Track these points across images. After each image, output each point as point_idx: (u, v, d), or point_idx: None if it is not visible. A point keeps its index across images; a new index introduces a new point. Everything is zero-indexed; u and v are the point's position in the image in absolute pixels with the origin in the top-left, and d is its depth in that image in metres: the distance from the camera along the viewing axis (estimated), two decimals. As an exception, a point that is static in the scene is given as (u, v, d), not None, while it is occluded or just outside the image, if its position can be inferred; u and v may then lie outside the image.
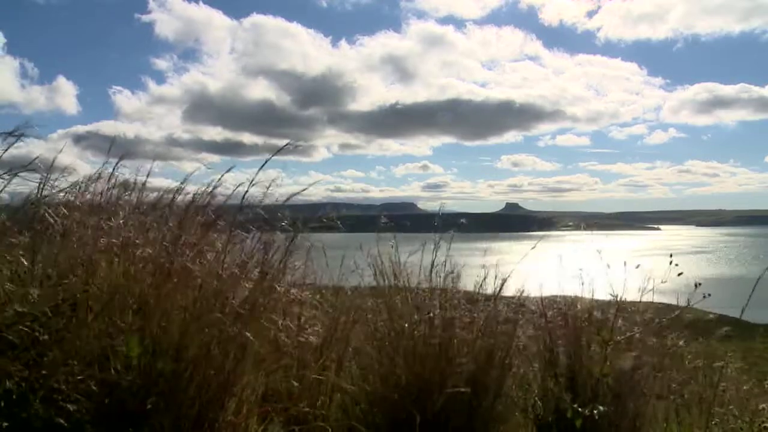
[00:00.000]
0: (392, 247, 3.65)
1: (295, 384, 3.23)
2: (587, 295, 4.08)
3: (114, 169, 3.43)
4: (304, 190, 3.25)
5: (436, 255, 3.64)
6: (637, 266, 3.93)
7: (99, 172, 3.40)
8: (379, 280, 3.65)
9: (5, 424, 2.26)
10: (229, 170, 3.21)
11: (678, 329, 4.21)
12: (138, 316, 2.66)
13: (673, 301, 4.19)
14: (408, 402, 3.20)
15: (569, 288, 4.15)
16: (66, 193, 3.28)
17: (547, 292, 4.22)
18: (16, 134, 2.86)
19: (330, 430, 3.12)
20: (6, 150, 2.88)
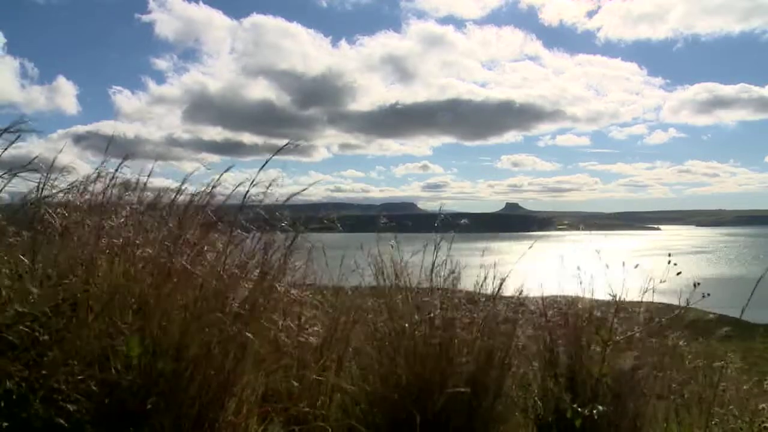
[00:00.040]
0: (392, 247, 3.65)
1: (295, 384, 3.23)
2: (587, 295, 4.09)
3: (115, 169, 3.43)
4: (304, 190, 3.25)
5: (436, 255, 3.65)
6: (636, 266, 3.93)
7: (99, 172, 3.40)
8: (379, 280, 3.65)
9: (5, 424, 2.26)
10: (227, 170, 3.20)
11: (678, 329, 4.21)
12: (138, 316, 2.66)
13: (673, 301, 4.19)
14: (408, 402, 3.20)
15: (569, 288, 4.16)
16: (66, 192, 3.28)
17: (547, 292, 4.22)
18: (12, 130, 2.84)
19: (330, 430, 3.12)
20: (5, 149, 2.87)
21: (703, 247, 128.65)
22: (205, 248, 3.00)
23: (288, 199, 3.17)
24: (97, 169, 3.40)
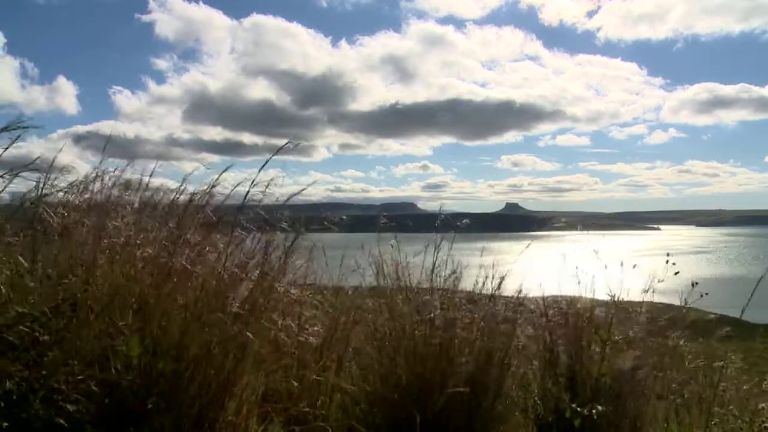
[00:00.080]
0: (392, 247, 3.65)
1: (295, 384, 3.23)
2: (587, 295, 4.09)
3: (122, 170, 3.44)
4: (303, 189, 3.24)
5: (437, 255, 3.65)
6: (634, 266, 3.94)
7: (98, 172, 3.40)
8: (380, 280, 3.65)
9: (5, 424, 2.26)
10: (227, 170, 3.20)
11: (678, 329, 4.22)
12: (138, 316, 2.66)
13: (674, 301, 4.20)
14: (408, 402, 3.20)
15: (568, 288, 4.16)
16: (65, 192, 3.28)
17: (547, 292, 4.22)
18: (12, 128, 2.84)
19: (330, 430, 3.12)
20: (6, 149, 2.87)
21: (703, 247, 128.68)
22: (207, 249, 3.00)
23: (288, 199, 3.17)
24: (95, 168, 3.40)
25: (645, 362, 3.88)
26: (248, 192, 3.04)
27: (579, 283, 4.04)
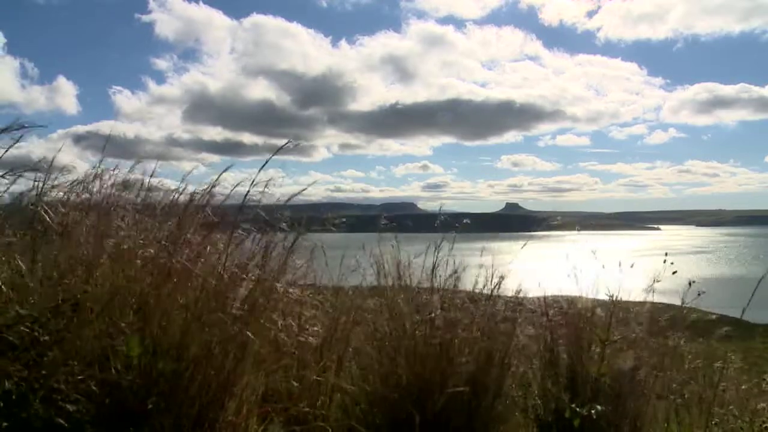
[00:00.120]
0: (393, 247, 3.65)
1: (295, 384, 3.23)
2: (587, 295, 4.09)
3: (119, 170, 3.44)
4: (303, 190, 3.24)
5: (437, 255, 3.65)
6: (632, 266, 3.94)
7: (98, 172, 3.40)
8: (381, 280, 3.65)
9: (5, 424, 2.26)
10: (226, 169, 3.20)
11: (678, 329, 4.22)
12: (138, 316, 2.66)
13: (674, 301, 4.20)
14: (408, 402, 3.20)
15: (567, 288, 4.16)
16: (66, 192, 3.28)
17: (547, 291, 4.23)
18: (15, 128, 2.84)
19: (330, 430, 3.12)
20: (7, 149, 2.87)
21: (703, 247, 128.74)
22: (207, 249, 3.00)
23: (289, 199, 3.17)
24: (94, 168, 3.40)
25: (645, 362, 3.89)
26: (248, 192, 3.04)
27: (577, 283, 4.05)
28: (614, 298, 3.90)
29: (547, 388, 3.84)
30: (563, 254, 4.28)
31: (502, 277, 3.72)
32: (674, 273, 3.91)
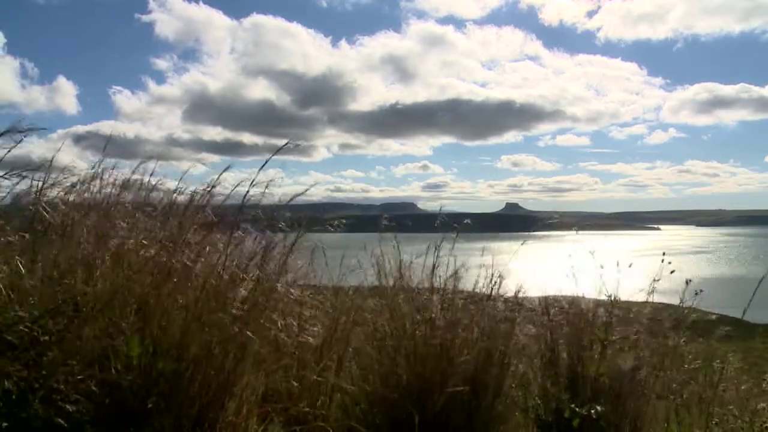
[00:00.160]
0: (394, 247, 3.65)
1: (295, 384, 3.23)
2: (588, 295, 4.09)
3: (114, 168, 3.44)
4: (306, 190, 3.25)
5: (437, 255, 3.64)
6: (630, 265, 3.95)
7: (98, 172, 3.40)
8: (382, 280, 3.64)
9: (5, 424, 2.26)
10: (226, 169, 3.21)
11: (679, 329, 4.22)
12: (138, 316, 2.66)
13: (674, 302, 4.20)
14: (408, 402, 3.20)
15: (567, 288, 4.16)
16: (66, 192, 3.28)
17: (545, 291, 4.23)
18: (18, 130, 2.84)
19: (330, 430, 3.12)
20: (9, 150, 2.87)
21: (703, 247, 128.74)
22: (207, 249, 3.00)
23: (291, 200, 3.18)
24: (93, 168, 3.40)
25: (645, 362, 3.89)
26: (248, 192, 3.04)
27: (576, 283, 4.05)
28: (613, 298, 3.91)
29: (547, 388, 3.84)
30: (563, 254, 4.28)
31: (502, 277, 3.72)
32: (672, 272, 3.93)
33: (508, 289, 3.78)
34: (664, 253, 3.99)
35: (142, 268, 2.75)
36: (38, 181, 3.16)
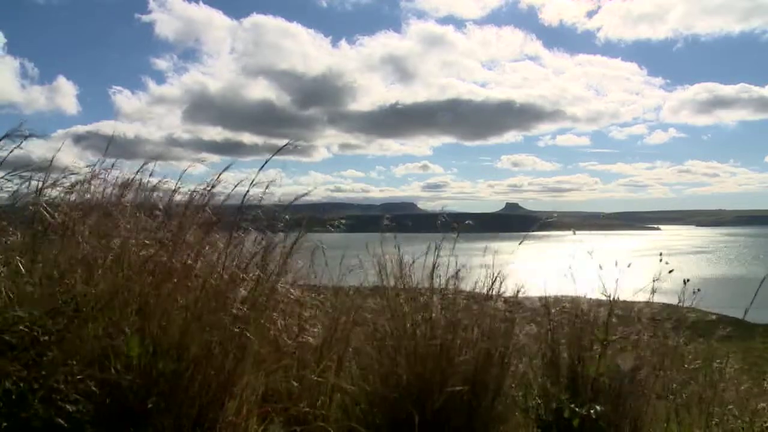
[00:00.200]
0: (396, 247, 3.65)
1: (295, 384, 3.23)
2: (588, 295, 4.09)
3: (113, 167, 3.44)
4: (308, 192, 3.26)
5: (437, 255, 3.64)
6: (629, 265, 3.95)
7: (98, 172, 3.40)
8: (383, 280, 3.64)
9: (5, 424, 2.26)
10: (226, 169, 3.21)
11: (679, 329, 4.22)
12: (138, 316, 2.66)
13: (673, 301, 4.20)
14: (408, 402, 3.20)
15: (567, 288, 4.16)
16: (66, 193, 3.28)
17: (546, 291, 4.22)
18: (17, 133, 2.84)
19: (330, 430, 3.12)
20: (11, 152, 2.88)
21: (703, 247, 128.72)
22: (207, 248, 3.00)
23: (293, 201, 3.18)
24: (93, 168, 3.40)
25: (645, 362, 3.89)
26: (247, 192, 3.05)
27: (575, 282, 4.05)
28: (613, 298, 3.91)
29: (547, 388, 3.84)
30: (563, 254, 4.28)
31: (502, 277, 3.71)
32: (671, 272, 3.93)
33: (508, 288, 3.78)
34: (660, 254, 4.00)
35: (142, 268, 2.75)
36: (38, 181, 3.16)
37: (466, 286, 3.76)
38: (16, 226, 2.93)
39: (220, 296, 2.79)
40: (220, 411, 2.70)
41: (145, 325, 2.63)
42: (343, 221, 3.51)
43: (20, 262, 2.65)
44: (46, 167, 3.21)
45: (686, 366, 4.55)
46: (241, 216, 3.10)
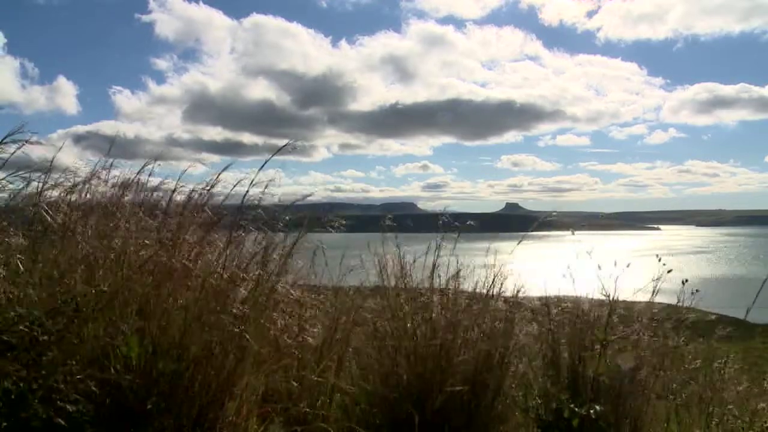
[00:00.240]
0: (397, 246, 3.65)
1: (295, 384, 3.23)
2: (588, 295, 4.09)
3: (111, 167, 3.44)
4: (310, 194, 3.27)
5: (437, 255, 3.64)
6: (628, 265, 3.96)
7: (98, 172, 3.40)
8: (383, 280, 3.64)
9: (5, 424, 2.26)
10: (225, 169, 3.21)
11: (679, 329, 4.22)
12: (138, 316, 2.66)
13: (673, 301, 4.21)
14: (408, 402, 3.20)
15: (566, 288, 4.16)
16: (66, 193, 3.28)
17: (546, 291, 4.23)
18: (17, 135, 2.85)
19: (330, 430, 3.12)
20: (12, 154, 2.88)
21: (703, 247, 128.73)
22: (206, 248, 3.00)
23: (294, 202, 3.19)
24: (94, 168, 3.41)
25: (645, 362, 3.89)
26: (247, 191, 3.05)
27: (574, 282, 4.05)
28: (613, 299, 3.91)
29: (547, 388, 3.84)
30: (563, 254, 4.28)
31: (502, 277, 3.71)
32: (670, 272, 3.94)
33: (509, 289, 3.78)
34: (658, 255, 4.01)
35: (142, 268, 2.75)
36: (38, 181, 3.16)
37: (467, 286, 3.76)
38: (17, 227, 2.93)
39: (220, 296, 2.78)
40: (220, 411, 2.70)
41: (145, 325, 2.63)
42: (344, 221, 3.51)
43: (20, 262, 2.65)
44: (47, 168, 3.21)
45: (686, 366, 4.55)
46: (241, 216, 3.10)
